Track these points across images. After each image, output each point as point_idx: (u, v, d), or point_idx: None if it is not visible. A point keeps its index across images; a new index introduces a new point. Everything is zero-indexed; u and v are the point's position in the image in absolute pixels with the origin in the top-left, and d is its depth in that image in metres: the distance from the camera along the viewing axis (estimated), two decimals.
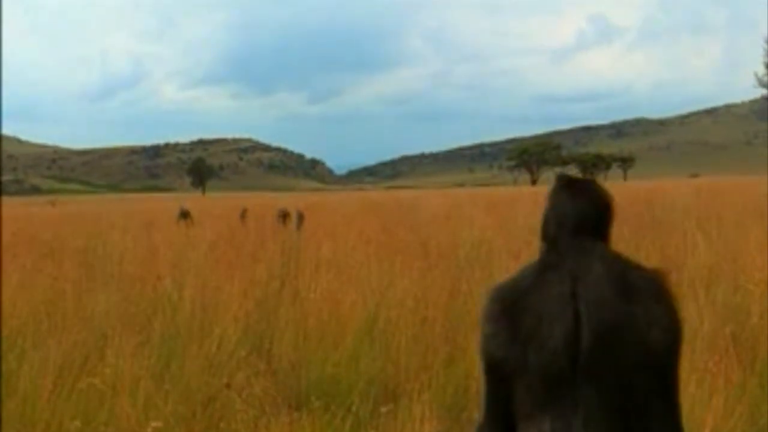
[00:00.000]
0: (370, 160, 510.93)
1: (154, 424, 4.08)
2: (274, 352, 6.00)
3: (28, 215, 31.18)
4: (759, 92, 70.87)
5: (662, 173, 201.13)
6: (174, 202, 41.31)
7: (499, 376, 1.74)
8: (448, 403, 4.92)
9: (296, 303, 7.02)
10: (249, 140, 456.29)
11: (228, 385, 4.97)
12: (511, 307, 1.74)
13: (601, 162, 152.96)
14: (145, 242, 13.70)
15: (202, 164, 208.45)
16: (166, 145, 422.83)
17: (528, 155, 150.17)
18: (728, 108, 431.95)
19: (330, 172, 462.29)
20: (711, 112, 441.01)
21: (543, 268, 1.79)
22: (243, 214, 22.55)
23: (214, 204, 42.52)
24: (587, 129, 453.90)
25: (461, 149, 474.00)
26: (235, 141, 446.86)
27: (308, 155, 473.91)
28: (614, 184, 68.25)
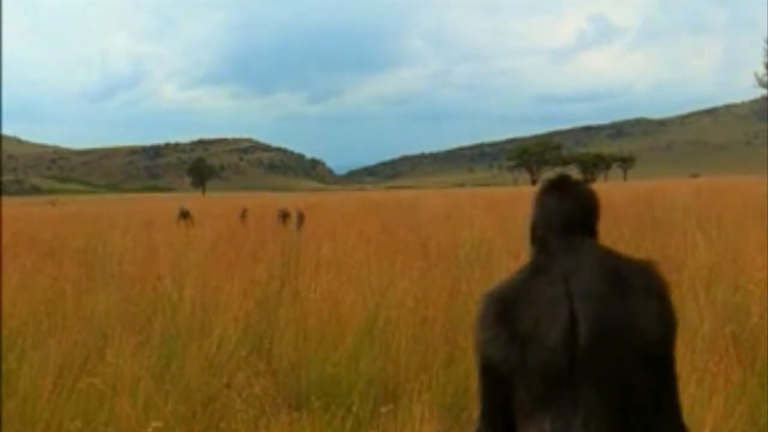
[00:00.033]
0: (371, 160, 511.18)
1: (154, 424, 4.08)
2: (274, 352, 6.00)
3: (28, 215, 31.19)
4: (759, 92, 71.09)
5: (662, 173, 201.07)
6: (174, 202, 41.31)
7: (496, 378, 1.74)
8: (448, 403, 4.92)
9: (296, 303, 7.02)
10: (249, 140, 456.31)
11: (228, 385, 4.97)
12: (506, 310, 1.74)
13: (602, 162, 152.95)
14: (145, 242, 13.70)
15: (202, 164, 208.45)
16: (167, 145, 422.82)
17: (528, 155, 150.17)
18: (728, 108, 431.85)
19: (330, 172, 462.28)
20: (711, 112, 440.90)
21: (535, 269, 1.80)
22: (243, 214, 22.56)
23: (214, 204, 42.52)
24: (587, 129, 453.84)
25: (461, 149, 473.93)
26: (236, 141, 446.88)
27: (308, 155, 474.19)
28: (614, 184, 68.33)
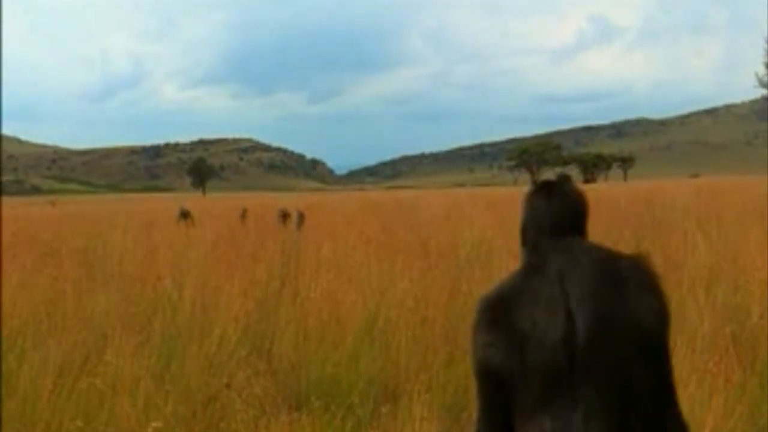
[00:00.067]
0: (371, 160, 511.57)
1: (154, 424, 4.08)
2: (275, 352, 6.00)
3: (28, 215, 31.19)
4: (759, 92, 70.99)
5: (662, 173, 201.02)
6: (174, 202, 41.31)
7: (495, 381, 1.75)
8: (448, 403, 4.92)
9: (296, 303, 7.02)
10: (249, 140, 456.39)
11: (228, 385, 4.97)
12: (503, 313, 1.75)
13: (602, 162, 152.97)
14: (146, 242, 13.70)
15: (202, 164, 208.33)
16: (167, 145, 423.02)
17: (528, 155, 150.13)
18: (728, 108, 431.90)
19: (330, 172, 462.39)
20: (711, 112, 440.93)
21: (529, 271, 1.82)
22: (243, 215, 22.56)
23: (214, 204, 42.52)
24: (587, 129, 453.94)
25: (461, 149, 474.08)
26: (236, 141, 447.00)
27: (308, 155, 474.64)
28: (614, 184, 68.32)
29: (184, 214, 21.52)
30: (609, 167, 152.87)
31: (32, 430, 4.46)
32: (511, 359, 1.71)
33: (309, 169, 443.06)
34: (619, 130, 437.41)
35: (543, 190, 1.92)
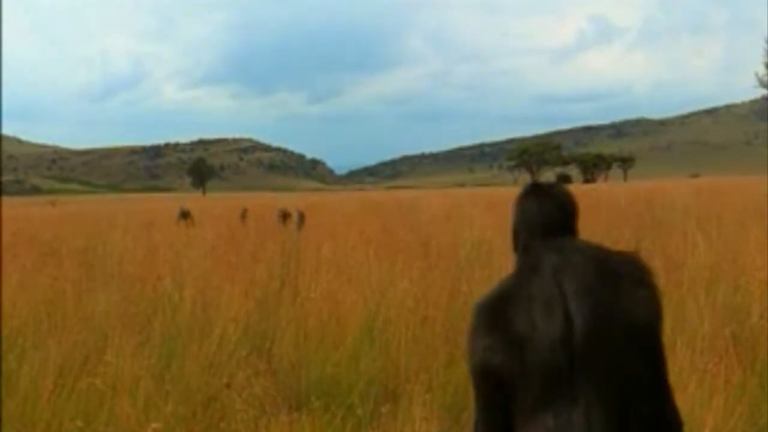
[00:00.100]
0: (371, 160, 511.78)
1: (153, 425, 4.07)
2: (275, 352, 5.99)
3: (28, 215, 31.18)
4: (759, 92, 70.96)
5: (662, 173, 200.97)
6: (174, 202, 41.30)
7: (494, 383, 1.76)
8: (448, 403, 4.92)
9: (296, 303, 7.01)
10: (249, 140, 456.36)
11: (228, 385, 4.97)
12: (500, 316, 1.76)
13: (602, 162, 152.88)
14: (146, 242, 13.69)
15: (202, 164, 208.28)
16: (167, 145, 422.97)
17: (528, 155, 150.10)
18: (728, 108, 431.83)
19: (330, 172, 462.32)
20: (711, 112, 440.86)
21: (523, 272, 1.83)
22: (243, 215, 22.54)
23: (214, 204, 42.51)
24: (587, 129, 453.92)
25: (461, 149, 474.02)
26: (236, 141, 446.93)
27: (309, 155, 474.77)
28: (614, 184, 68.27)
29: (185, 214, 21.52)
30: (609, 167, 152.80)
31: (32, 430, 4.46)
32: (511, 360, 1.72)
33: (309, 169, 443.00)
34: (619, 130, 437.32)
35: (532, 192, 1.94)
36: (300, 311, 6.71)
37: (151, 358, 5.37)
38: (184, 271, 8.59)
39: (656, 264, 7.45)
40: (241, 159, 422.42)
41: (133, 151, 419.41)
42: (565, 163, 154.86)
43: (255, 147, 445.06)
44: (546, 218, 1.88)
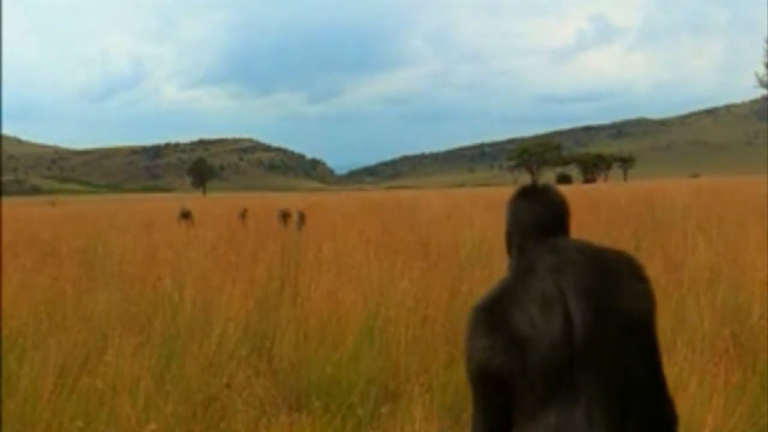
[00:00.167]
0: (371, 160, 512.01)
1: (151, 426, 4.07)
2: (275, 352, 5.99)
3: (28, 215, 31.19)
4: (759, 92, 71.00)
5: (662, 173, 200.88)
6: (174, 202, 41.29)
7: (495, 383, 1.76)
8: (449, 404, 4.92)
9: (296, 303, 7.01)
10: (249, 140, 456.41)
11: (228, 385, 4.97)
12: (499, 316, 1.77)
13: (602, 162, 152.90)
14: (146, 242, 13.69)
15: (202, 164, 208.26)
16: (167, 146, 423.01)
17: (528, 155, 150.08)
18: (729, 108, 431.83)
19: (330, 172, 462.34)
20: (711, 112, 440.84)
21: (520, 272, 1.84)
22: (243, 215, 22.52)
23: (214, 204, 42.50)
24: (588, 129, 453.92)
25: (461, 149, 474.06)
26: (236, 141, 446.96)
27: (309, 155, 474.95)
28: (614, 184, 68.23)
29: (185, 215, 21.50)
30: (609, 167, 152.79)
31: (32, 430, 4.46)
32: (512, 360, 1.72)
33: (309, 169, 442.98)
34: (619, 130, 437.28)
35: (524, 194, 1.97)
36: (300, 311, 6.70)
37: (151, 358, 5.37)
38: (184, 271, 8.58)
39: (656, 264, 7.45)
40: (242, 159, 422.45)
41: (133, 151, 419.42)
42: (565, 163, 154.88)
43: (255, 147, 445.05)
44: (539, 219, 1.90)
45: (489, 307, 1.80)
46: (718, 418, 4.05)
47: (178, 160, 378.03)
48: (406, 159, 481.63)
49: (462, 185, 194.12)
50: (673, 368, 4.38)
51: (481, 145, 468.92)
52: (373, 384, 5.24)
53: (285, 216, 19.90)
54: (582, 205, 18.45)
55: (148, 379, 4.86)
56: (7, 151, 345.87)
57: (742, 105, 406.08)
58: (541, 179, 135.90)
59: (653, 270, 6.90)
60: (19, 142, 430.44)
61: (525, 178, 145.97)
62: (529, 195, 1.96)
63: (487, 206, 22.07)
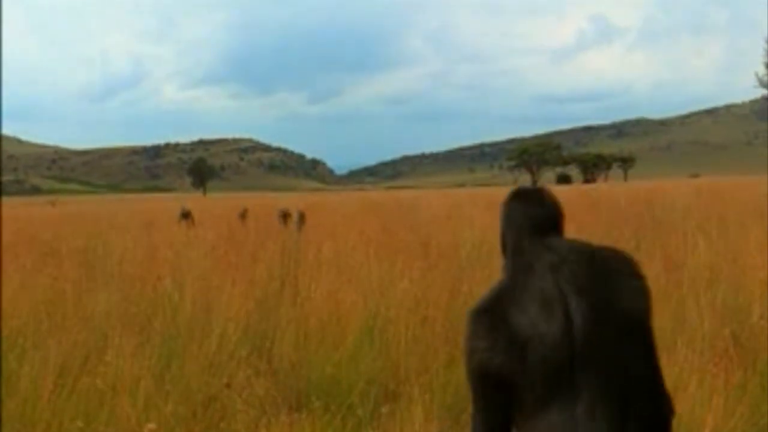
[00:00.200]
0: (371, 161, 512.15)
1: (149, 425, 4.07)
2: (275, 352, 5.99)
3: (28, 215, 31.19)
4: (759, 92, 70.85)
5: (663, 173, 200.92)
6: (174, 202, 41.30)
7: (495, 383, 1.77)
8: (449, 404, 4.92)
9: (297, 303, 7.01)
10: (249, 140, 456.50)
11: (228, 385, 4.97)
12: (500, 317, 1.77)
13: (602, 162, 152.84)
14: (146, 242, 13.69)
15: (202, 164, 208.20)
16: (167, 146, 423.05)
17: (528, 155, 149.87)
18: (729, 108, 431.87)
19: (331, 172, 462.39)
20: (711, 112, 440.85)
21: (518, 272, 1.85)
22: (242, 215, 22.51)
23: (215, 204, 42.49)
24: (588, 129, 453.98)
25: (461, 149, 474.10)
26: (236, 141, 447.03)
27: (309, 155, 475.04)
28: (615, 184, 68.22)
29: (185, 215, 21.49)
30: (609, 167, 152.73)
31: (32, 430, 4.46)
32: (513, 360, 1.73)
33: (309, 169, 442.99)
34: (619, 130, 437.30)
35: (517, 196, 1.99)
36: (300, 311, 6.70)
37: (151, 358, 5.36)
38: (184, 271, 8.58)
39: (656, 264, 7.45)
40: (242, 159, 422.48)
41: (134, 152, 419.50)
42: (565, 163, 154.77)
43: (255, 147, 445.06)
44: (533, 219, 1.91)
45: (489, 308, 1.80)
46: (718, 418, 4.05)
47: (178, 160, 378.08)
48: (406, 159, 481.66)
49: (462, 185, 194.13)
50: (673, 368, 4.38)
51: (481, 145, 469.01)
52: (373, 384, 5.24)
53: (285, 216, 19.90)
54: (582, 205, 18.46)
55: (148, 379, 4.85)
56: (7, 151, 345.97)
57: (742, 105, 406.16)
58: (541, 179, 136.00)
59: (653, 270, 6.92)
60: (19, 142, 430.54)
61: (525, 178, 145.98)
62: (523, 196, 1.98)
63: (487, 206, 22.07)
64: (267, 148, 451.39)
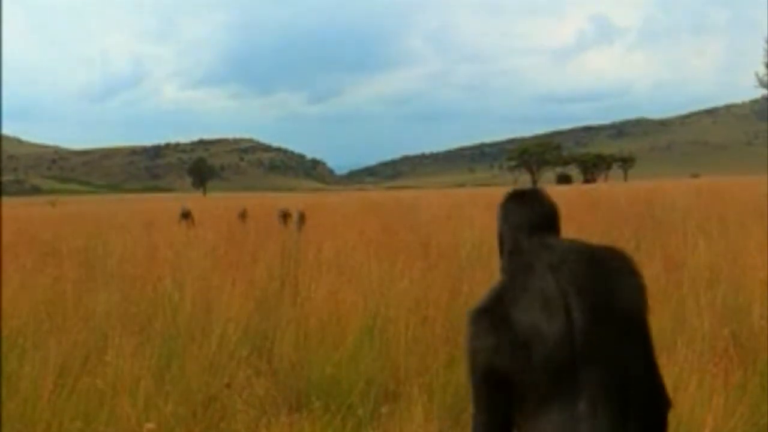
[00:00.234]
0: (371, 161, 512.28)
1: (148, 425, 4.07)
2: (275, 352, 5.99)
3: (28, 215, 31.18)
4: (759, 92, 70.90)
5: (663, 173, 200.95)
6: (174, 202, 41.31)
7: (496, 383, 1.77)
8: (449, 404, 4.92)
9: (297, 303, 7.01)
10: (250, 140, 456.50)
11: (228, 386, 4.97)
12: (502, 317, 1.78)
13: (602, 162, 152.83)
14: (146, 242, 13.69)
15: (202, 164, 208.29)
16: (167, 146, 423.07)
17: (528, 155, 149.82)
18: (729, 108, 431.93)
19: (331, 172, 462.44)
20: (711, 112, 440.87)
21: (518, 272, 1.85)
22: (242, 215, 22.50)
23: (215, 204, 42.47)
24: (588, 129, 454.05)
25: (462, 149, 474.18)
26: (236, 141, 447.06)
27: (309, 155, 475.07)
28: (615, 184, 68.21)
29: (185, 215, 21.48)
30: (609, 167, 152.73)
31: (32, 430, 4.46)
32: (516, 360, 1.73)
33: (309, 169, 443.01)
34: (619, 130, 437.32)
35: (513, 197, 2.01)
36: (300, 311, 6.70)
37: (151, 358, 5.36)
38: (184, 271, 8.58)
39: (656, 264, 7.45)
40: (242, 159, 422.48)
41: (134, 152, 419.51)
42: (565, 163, 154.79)
43: (255, 147, 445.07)
44: (530, 219, 1.93)
45: (490, 308, 1.80)
46: (718, 418, 4.05)
47: (178, 160, 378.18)
48: (406, 159, 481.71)
49: (462, 185, 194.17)
50: (673, 368, 4.38)
51: (481, 145, 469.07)
52: (373, 384, 5.24)
53: (285, 216, 19.89)
54: (582, 205, 18.46)
55: (148, 379, 4.86)
56: (7, 151, 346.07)
57: (742, 105, 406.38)
58: (541, 179, 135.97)
59: (653, 270, 6.92)
60: (19, 142, 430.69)
61: (525, 179, 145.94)
62: (520, 197, 1.99)
63: (487, 206, 22.05)
64: (267, 148, 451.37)
